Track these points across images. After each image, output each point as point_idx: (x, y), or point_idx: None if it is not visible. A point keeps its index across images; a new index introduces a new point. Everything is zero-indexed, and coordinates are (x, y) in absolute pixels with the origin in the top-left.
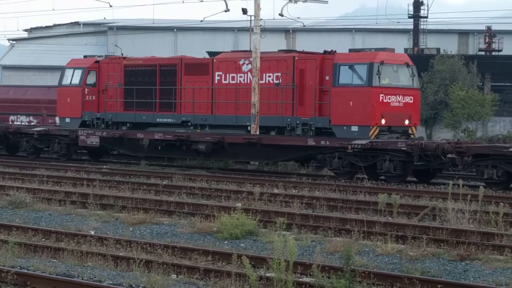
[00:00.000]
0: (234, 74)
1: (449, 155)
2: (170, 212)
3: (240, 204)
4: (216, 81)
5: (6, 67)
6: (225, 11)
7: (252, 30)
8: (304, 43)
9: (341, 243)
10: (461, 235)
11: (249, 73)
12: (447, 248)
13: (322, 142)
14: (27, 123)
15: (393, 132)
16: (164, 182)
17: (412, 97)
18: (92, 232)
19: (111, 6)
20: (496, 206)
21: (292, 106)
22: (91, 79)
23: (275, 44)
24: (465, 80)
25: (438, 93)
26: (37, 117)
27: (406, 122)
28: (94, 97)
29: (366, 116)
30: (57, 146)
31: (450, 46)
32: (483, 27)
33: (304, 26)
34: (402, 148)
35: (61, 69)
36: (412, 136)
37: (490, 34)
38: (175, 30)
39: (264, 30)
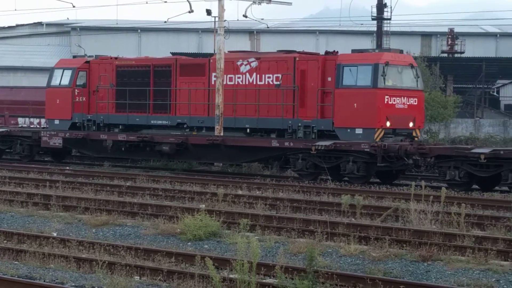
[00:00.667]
0: (232, 75)
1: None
2: (133, 214)
3: (204, 206)
4: (213, 82)
5: None
6: (189, 12)
7: (216, 31)
8: (268, 45)
9: (305, 244)
10: (423, 236)
11: (247, 74)
12: (410, 249)
13: (286, 144)
14: None
15: (398, 135)
16: (127, 184)
17: (416, 99)
18: (55, 234)
19: (74, 6)
20: (458, 207)
21: (293, 108)
22: (81, 79)
23: (239, 45)
24: (427, 82)
25: None
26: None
27: (411, 124)
28: (84, 99)
29: (371, 118)
30: (19, 147)
31: (413, 48)
32: (445, 29)
33: (268, 27)
34: (365, 150)
35: (50, 69)
36: (416, 139)
37: (452, 36)
38: (139, 30)
39: (228, 31)
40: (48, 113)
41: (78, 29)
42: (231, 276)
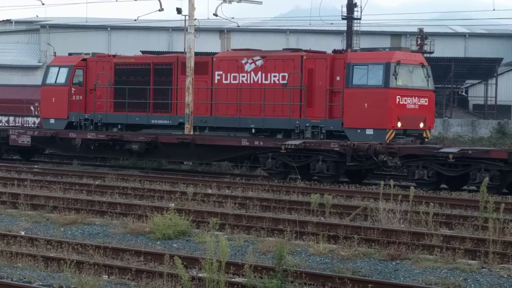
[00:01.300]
0: (236, 74)
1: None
2: (102, 213)
3: (173, 204)
4: (216, 81)
5: None
6: (159, 10)
7: (187, 30)
8: (239, 43)
9: (274, 243)
10: (391, 235)
11: (252, 72)
12: (378, 248)
13: (256, 143)
14: None
15: (409, 136)
16: (96, 182)
17: (427, 99)
18: (23, 233)
19: (43, 4)
20: (427, 206)
21: (300, 108)
22: (78, 78)
23: (210, 44)
24: None
25: None
26: None
27: (421, 125)
28: (81, 97)
29: (382, 118)
30: None
31: None
32: (415, 29)
33: (238, 26)
34: (335, 149)
35: (45, 67)
36: (426, 139)
37: (422, 36)
38: (108, 29)
39: (199, 30)
40: (43, 112)
41: (47, 27)
42: (200, 275)
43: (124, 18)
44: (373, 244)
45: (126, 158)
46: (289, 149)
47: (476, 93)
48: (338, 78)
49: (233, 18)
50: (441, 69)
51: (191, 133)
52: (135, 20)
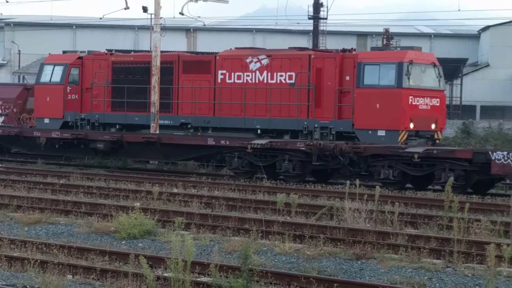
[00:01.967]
0: (241, 73)
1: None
2: (67, 212)
3: (138, 204)
4: (219, 80)
5: None
6: (125, 9)
7: (153, 29)
8: (205, 43)
9: (240, 243)
10: (357, 235)
11: (257, 71)
12: (344, 247)
13: (222, 142)
14: None
15: (421, 137)
16: (61, 181)
17: (438, 100)
18: None
19: (7, 1)
20: (392, 206)
21: (308, 108)
22: (74, 76)
23: (176, 43)
24: None
25: None
26: None
27: (433, 126)
28: (77, 96)
29: (395, 119)
30: None
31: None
32: (381, 29)
33: (204, 25)
34: (301, 148)
35: (40, 65)
36: (437, 141)
37: (387, 36)
38: (74, 27)
39: (165, 29)
40: (37, 111)
41: (12, 24)
42: (165, 274)
43: (89, 16)
44: (339, 243)
45: (91, 157)
46: (255, 148)
47: None
48: (347, 77)
49: (199, 17)
50: None
51: (157, 132)
52: (100, 18)
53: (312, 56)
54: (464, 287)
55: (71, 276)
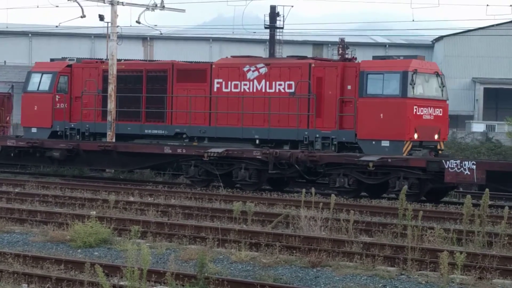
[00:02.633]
0: (238, 82)
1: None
2: (22, 221)
3: (94, 212)
4: (215, 89)
5: None
6: (81, 17)
7: (109, 37)
8: (162, 51)
9: (196, 251)
10: (313, 242)
11: (255, 80)
12: (299, 255)
13: (179, 150)
14: None
15: (424, 148)
16: (16, 190)
17: (441, 110)
18: None
19: None
20: (347, 214)
21: (308, 118)
22: (62, 85)
23: (133, 51)
24: None
25: None
26: None
27: (436, 136)
28: (65, 105)
29: (399, 130)
30: None
31: None
32: (336, 39)
33: (161, 34)
34: (257, 157)
35: (27, 73)
36: (440, 152)
37: (343, 45)
38: (29, 35)
39: (121, 37)
40: (25, 121)
41: None
42: (121, 283)
43: (45, 24)
44: (295, 251)
45: (47, 165)
46: (211, 157)
47: None
48: (349, 87)
49: (156, 25)
50: None
51: (113, 140)
52: (56, 26)
53: (313, 65)
54: None
55: (26, 285)
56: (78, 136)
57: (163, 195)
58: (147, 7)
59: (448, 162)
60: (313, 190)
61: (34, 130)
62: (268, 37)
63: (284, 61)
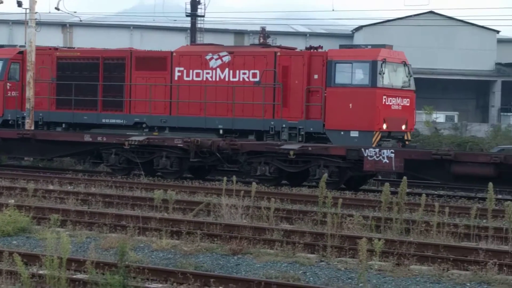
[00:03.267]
0: (200, 70)
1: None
2: None
3: (13, 201)
4: (176, 78)
5: None
6: None
7: (27, 24)
8: (82, 38)
9: (117, 239)
10: (234, 230)
11: (218, 69)
12: (221, 243)
13: (99, 138)
14: None
15: (393, 138)
16: None
17: (409, 100)
18: None
19: None
20: (268, 202)
21: (274, 108)
22: (14, 72)
23: (52, 38)
24: None
25: None
26: None
27: (403, 127)
28: (17, 93)
29: (368, 120)
30: None
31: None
32: (258, 28)
33: (81, 20)
34: (178, 145)
35: None
36: (407, 143)
37: (264, 34)
38: None
39: (40, 24)
40: None
41: None
42: (40, 272)
43: None
44: (216, 239)
45: None
46: (132, 145)
47: None
48: (316, 76)
49: (75, 12)
50: None
51: (32, 128)
52: None
53: (278, 54)
54: (337, 280)
55: None
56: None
57: (83, 183)
58: None
59: (367, 150)
60: (234, 178)
61: None
62: (189, 25)
63: (248, 49)
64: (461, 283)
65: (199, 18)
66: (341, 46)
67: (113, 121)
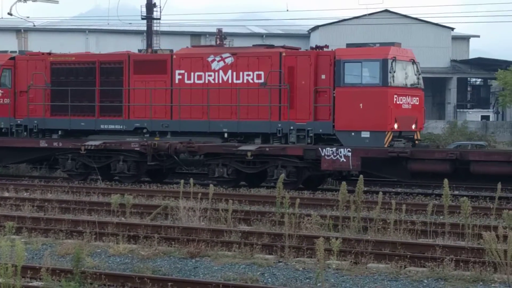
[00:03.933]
0: (201, 73)
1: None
2: None
3: None
4: (177, 81)
5: None
6: None
7: None
8: (37, 43)
9: (73, 245)
10: (192, 233)
11: (221, 71)
12: (178, 246)
13: (55, 144)
14: None
15: (404, 138)
16: None
17: (418, 98)
18: None
19: None
20: (226, 204)
21: (280, 110)
22: (5, 78)
23: (6, 44)
24: None
25: None
26: None
27: (413, 126)
28: (9, 101)
29: (380, 120)
30: None
31: None
32: (214, 30)
33: (34, 25)
34: (135, 149)
35: None
36: (417, 142)
37: (221, 36)
38: None
39: None
40: None
41: None
42: None
43: None
44: (173, 242)
45: None
46: (89, 149)
47: None
48: (323, 76)
49: (28, 17)
50: None
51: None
52: None
53: (284, 54)
54: (295, 280)
55: None
56: (25, 133)
57: (39, 189)
58: None
59: (324, 149)
60: (191, 180)
61: None
62: (145, 28)
63: (251, 50)
64: (418, 280)
65: (155, 21)
66: (348, 45)
67: (112, 127)
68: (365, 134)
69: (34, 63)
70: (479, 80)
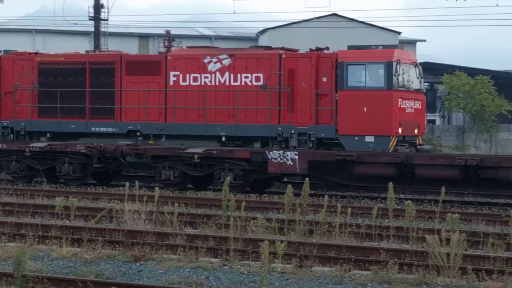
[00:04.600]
0: (197, 75)
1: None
2: None
3: None
4: (171, 83)
5: None
6: None
7: None
8: None
9: (15, 249)
10: (136, 236)
11: (218, 73)
12: (123, 250)
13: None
14: None
15: (407, 143)
16: None
17: (420, 102)
18: None
19: None
20: (172, 206)
21: (279, 113)
22: None
23: None
24: None
25: None
26: None
27: (416, 131)
28: None
29: (385, 124)
30: None
31: (131, 49)
32: (162, 31)
33: None
34: (81, 151)
35: None
36: (419, 147)
37: (169, 38)
38: None
39: None
40: None
41: None
42: None
43: None
44: (118, 245)
45: None
46: (34, 151)
47: None
48: (324, 79)
49: None
50: None
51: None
52: None
53: (283, 56)
54: (240, 284)
55: None
56: (12, 135)
57: None
58: None
59: (271, 152)
60: (137, 183)
61: None
62: (93, 29)
63: (250, 51)
64: (362, 283)
65: (103, 22)
66: (349, 47)
67: (103, 129)
68: (369, 139)
69: (21, 63)
70: (426, 84)
